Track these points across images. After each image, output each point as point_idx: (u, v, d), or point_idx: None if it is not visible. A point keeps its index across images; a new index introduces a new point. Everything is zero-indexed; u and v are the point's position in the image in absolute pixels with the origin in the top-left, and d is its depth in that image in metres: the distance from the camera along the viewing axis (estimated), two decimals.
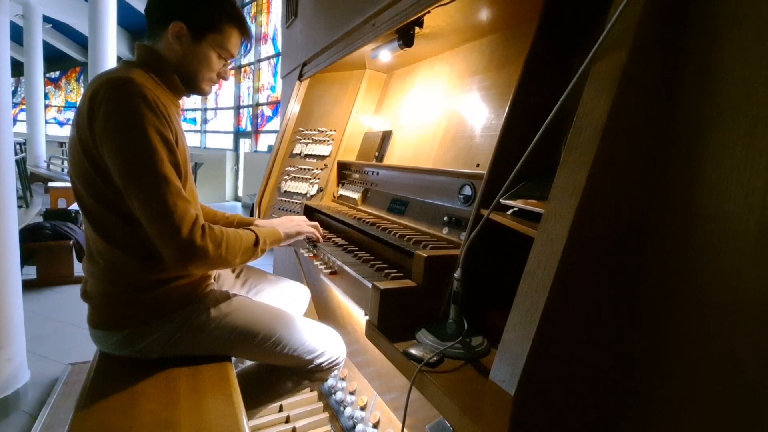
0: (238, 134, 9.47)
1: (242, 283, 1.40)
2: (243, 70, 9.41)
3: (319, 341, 1.22)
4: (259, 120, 8.81)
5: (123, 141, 0.89)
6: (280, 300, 1.39)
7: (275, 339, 1.14)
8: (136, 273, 1.00)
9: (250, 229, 1.09)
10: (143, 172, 0.88)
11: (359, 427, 1.43)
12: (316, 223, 1.35)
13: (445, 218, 1.14)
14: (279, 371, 1.27)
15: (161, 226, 0.89)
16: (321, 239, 1.33)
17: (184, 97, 1.17)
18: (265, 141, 8.53)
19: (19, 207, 5.53)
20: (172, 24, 0.99)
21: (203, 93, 1.13)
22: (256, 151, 8.64)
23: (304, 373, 1.24)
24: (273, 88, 8.45)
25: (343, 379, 1.69)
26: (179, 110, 1.10)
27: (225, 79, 1.13)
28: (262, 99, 8.77)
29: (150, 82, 0.97)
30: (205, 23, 1.02)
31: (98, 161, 0.92)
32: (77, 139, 0.95)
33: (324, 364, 1.23)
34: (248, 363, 1.37)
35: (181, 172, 0.96)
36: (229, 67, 1.15)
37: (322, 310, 1.95)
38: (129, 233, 0.97)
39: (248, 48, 1.17)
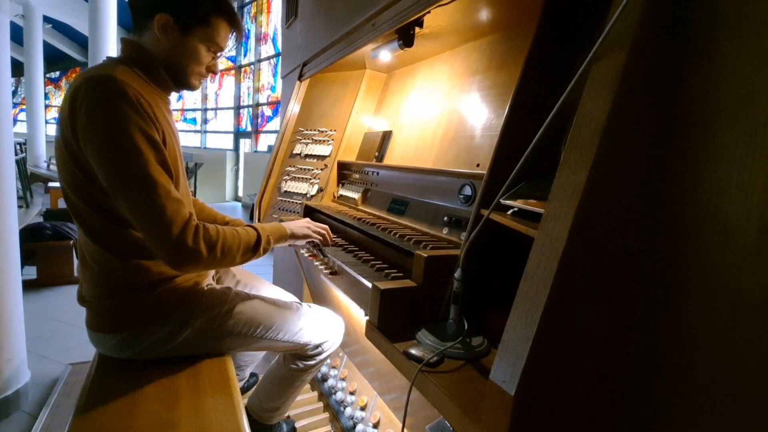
0: (238, 134, 9.47)
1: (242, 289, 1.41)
2: (243, 70, 9.41)
3: (320, 323, 1.27)
4: (259, 120, 8.81)
5: (105, 143, 0.85)
6: None
7: (275, 327, 1.16)
8: (130, 275, 0.99)
9: (252, 226, 1.06)
10: (128, 175, 0.85)
11: (359, 427, 1.43)
12: (326, 227, 1.28)
13: (445, 218, 1.14)
14: (282, 377, 1.31)
15: (151, 229, 0.87)
16: (329, 243, 1.27)
17: (181, 94, 1.16)
18: (265, 141, 8.53)
19: (20, 207, 5.53)
20: (158, 16, 0.95)
21: (192, 88, 1.08)
22: (256, 151, 8.64)
23: (308, 356, 1.27)
24: (273, 88, 8.45)
25: (343, 379, 1.69)
26: (168, 107, 1.07)
27: (214, 73, 1.09)
28: (262, 99, 8.76)
29: (134, 78, 0.93)
30: (192, 15, 0.98)
31: (83, 162, 0.90)
32: (61, 139, 0.92)
33: (326, 344, 1.28)
34: (253, 393, 1.41)
35: (171, 172, 0.92)
36: (218, 60, 1.10)
37: None
38: (120, 235, 0.96)
39: (238, 42, 1.14)
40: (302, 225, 1.22)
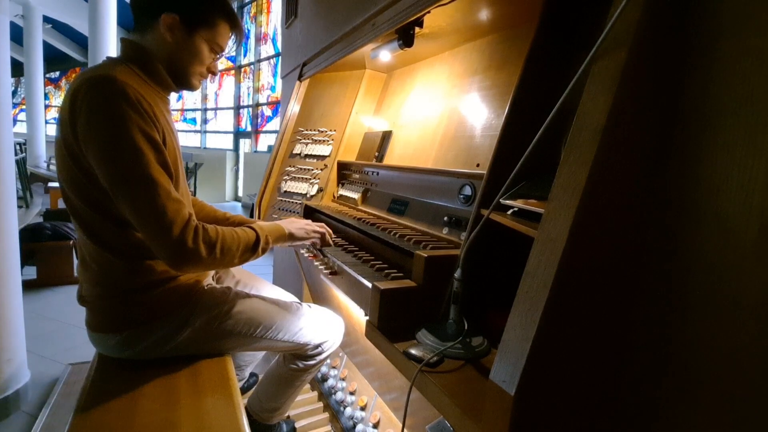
0: (238, 134, 9.46)
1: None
2: (243, 70, 9.40)
3: (320, 323, 1.27)
4: (259, 120, 8.80)
5: (106, 143, 0.85)
6: None
7: (275, 327, 1.16)
8: (130, 275, 0.99)
9: (251, 227, 1.05)
10: (129, 175, 0.85)
11: (359, 427, 1.43)
12: (328, 229, 1.26)
13: (445, 218, 1.14)
14: (282, 377, 1.31)
15: (151, 230, 0.87)
16: (330, 244, 1.25)
17: (180, 94, 1.16)
18: (265, 141, 8.52)
19: (19, 207, 5.53)
20: (164, 15, 0.96)
21: (193, 88, 1.09)
22: (256, 151, 8.64)
23: (308, 356, 1.27)
24: (273, 88, 8.44)
25: (343, 379, 1.69)
26: (168, 107, 1.07)
27: (214, 74, 1.10)
28: (262, 99, 8.76)
29: (134, 78, 0.94)
30: (197, 16, 1.00)
31: (83, 162, 0.89)
32: (62, 140, 0.92)
33: (326, 344, 1.28)
34: (253, 394, 1.41)
35: (171, 172, 0.93)
36: (218, 61, 1.11)
37: None
38: (119, 235, 0.96)
39: (238, 44, 1.15)
40: (301, 226, 1.21)
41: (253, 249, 1.02)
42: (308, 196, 1.82)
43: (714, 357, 0.51)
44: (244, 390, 1.56)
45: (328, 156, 1.85)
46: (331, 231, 1.27)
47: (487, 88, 1.21)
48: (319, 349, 1.27)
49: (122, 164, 0.85)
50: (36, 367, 2.06)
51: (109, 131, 0.85)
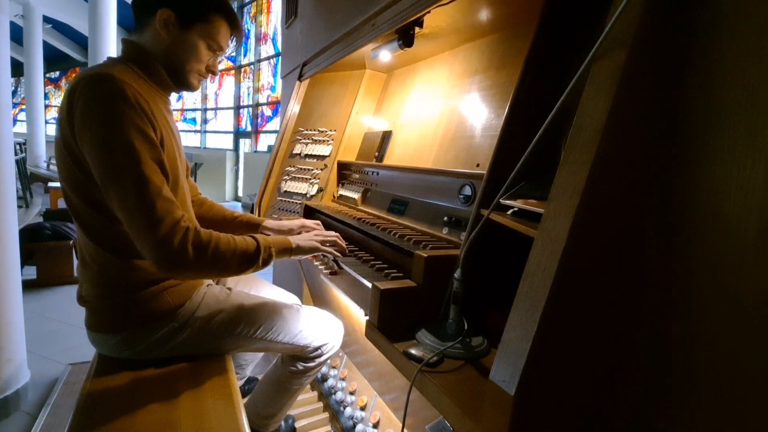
0: (238, 134, 9.47)
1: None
2: (243, 70, 9.41)
3: (320, 325, 1.26)
4: (259, 120, 8.81)
5: (100, 139, 0.84)
6: None
7: (275, 328, 1.16)
8: (130, 275, 0.98)
9: (253, 236, 1.00)
10: (120, 171, 0.84)
11: (359, 427, 1.43)
12: (337, 234, 1.20)
13: (445, 218, 1.14)
14: (280, 380, 1.31)
15: (138, 227, 0.85)
16: (344, 253, 1.17)
17: (180, 95, 1.14)
18: (265, 141, 8.53)
19: (19, 207, 5.53)
20: (159, 11, 0.96)
21: (191, 87, 1.08)
22: (256, 151, 8.64)
23: (307, 358, 1.27)
24: (273, 88, 8.45)
25: (343, 379, 1.69)
26: (168, 107, 1.07)
27: (214, 73, 1.09)
28: (262, 99, 8.76)
29: (133, 78, 0.93)
30: (192, 12, 0.99)
31: (82, 161, 0.89)
32: (61, 138, 0.91)
33: (325, 347, 1.27)
34: (249, 400, 1.40)
35: (168, 173, 0.91)
36: (219, 60, 1.11)
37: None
38: (119, 235, 0.95)
39: (238, 44, 1.15)
40: (309, 237, 1.13)
41: (251, 259, 0.96)
42: (308, 196, 1.82)
43: (714, 357, 0.51)
44: (243, 393, 1.56)
45: (328, 156, 1.85)
46: (341, 237, 1.20)
47: (487, 88, 1.21)
48: (319, 351, 1.27)
49: (114, 159, 0.84)
50: (36, 367, 2.06)
51: (104, 127, 0.85)
